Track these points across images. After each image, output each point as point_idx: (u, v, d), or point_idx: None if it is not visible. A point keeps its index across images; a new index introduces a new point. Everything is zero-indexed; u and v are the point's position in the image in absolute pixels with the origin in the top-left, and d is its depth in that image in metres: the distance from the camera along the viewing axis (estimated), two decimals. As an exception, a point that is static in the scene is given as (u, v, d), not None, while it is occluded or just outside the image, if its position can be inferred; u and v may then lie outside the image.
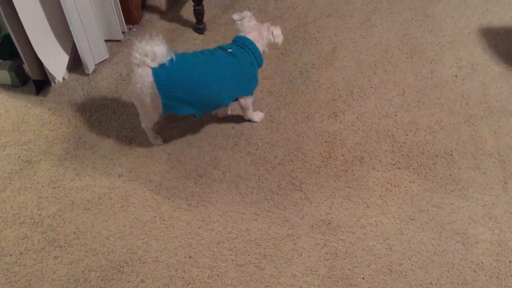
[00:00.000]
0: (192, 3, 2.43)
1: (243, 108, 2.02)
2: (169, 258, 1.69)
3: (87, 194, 1.86)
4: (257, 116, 2.09)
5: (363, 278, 1.63)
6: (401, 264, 1.66)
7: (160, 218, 1.79)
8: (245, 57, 1.84)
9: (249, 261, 1.68)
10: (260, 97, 2.19)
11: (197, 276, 1.64)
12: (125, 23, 2.49)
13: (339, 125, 2.09)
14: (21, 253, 1.70)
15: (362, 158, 1.97)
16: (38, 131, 2.07)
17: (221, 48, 1.87)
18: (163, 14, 2.64)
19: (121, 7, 2.40)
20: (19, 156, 1.98)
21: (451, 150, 1.99)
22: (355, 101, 2.18)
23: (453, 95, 2.19)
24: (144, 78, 1.71)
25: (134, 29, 2.55)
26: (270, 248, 1.71)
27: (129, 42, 2.45)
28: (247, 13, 1.92)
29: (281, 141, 2.04)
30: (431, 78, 2.27)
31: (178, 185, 1.89)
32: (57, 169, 1.94)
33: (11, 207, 1.82)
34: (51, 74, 2.20)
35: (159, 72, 1.70)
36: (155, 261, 1.68)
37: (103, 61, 2.37)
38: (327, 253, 1.70)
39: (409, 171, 1.92)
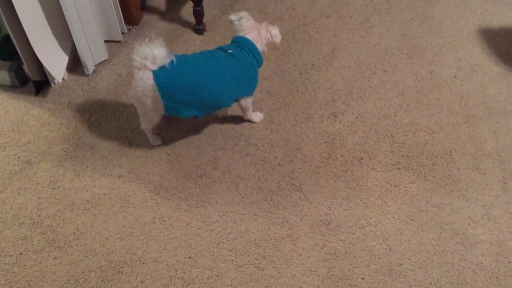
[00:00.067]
0: (192, 4, 2.43)
1: (243, 109, 2.02)
2: (168, 259, 1.69)
3: (86, 195, 1.86)
4: (256, 116, 2.09)
5: (362, 279, 1.63)
6: (401, 264, 1.67)
7: (159, 218, 1.79)
8: (245, 58, 1.84)
9: (248, 261, 1.68)
10: (260, 98, 2.19)
11: (196, 276, 1.64)
12: (125, 23, 2.49)
13: (338, 126, 2.09)
14: (21, 253, 1.70)
15: (362, 158, 1.97)
16: (38, 131, 2.07)
17: (221, 49, 1.87)
18: (162, 15, 2.64)
19: (121, 8, 2.40)
20: (19, 157, 1.98)
21: (450, 151, 1.99)
22: (355, 102, 2.18)
23: (452, 96, 2.19)
24: (145, 81, 1.71)
25: (134, 30, 2.55)
26: (270, 249, 1.71)
27: (130, 44, 2.46)
28: (244, 14, 1.93)
29: (280, 141, 2.04)
30: (431, 78, 2.27)
31: (177, 186, 1.89)
32: (57, 169, 1.94)
33: (11, 208, 1.82)
34: (50, 75, 2.20)
35: (159, 75, 1.70)
36: (154, 261, 1.68)
37: (102, 61, 2.37)
38: (326, 254, 1.70)
39: (409, 172, 1.92)
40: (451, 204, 1.82)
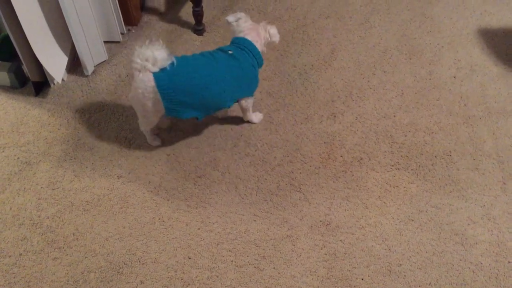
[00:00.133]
0: (191, 5, 2.43)
1: (243, 109, 2.02)
2: (168, 259, 1.69)
3: (86, 196, 1.86)
4: (256, 117, 2.09)
5: (362, 279, 1.63)
6: (400, 264, 1.67)
7: (159, 219, 1.79)
8: (245, 58, 1.84)
9: (248, 262, 1.68)
10: (259, 98, 2.19)
11: (196, 277, 1.64)
12: (124, 24, 2.49)
13: (338, 126, 2.09)
14: (20, 254, 1.70)
15: (361, 159, 1.97)
16: (37, 132, 2.07)
17: (221, 50, 1.87)
18: (162, 16, 2.64)
19: (120, 8, 2.39)
20: (18, 158, 1.98)
21: (450, 151, 1.99)
22: (354, 102, 2.18)
23: (452, 96, 2.20)
24: (146, 83, 1.71)
25: (133, 30, 2.55)
26: (269, 249, 1.71)
27: (129, 45, 2.46)
28: (241, 14, 1.93)
29: (280, 142, 2.04)
30: (430, 79, 2.27)
31: (177, 186, 1.89)
32: (56, 170, 1.94)
33: (11, 209, 1.82)
34: (50, 76, 2.20)
35: (160, 76, 1.70)
36: (154, 262, 1.68)
37: (102, 62, 2.37)
38: (326, 254, 1.70)
39: (408, 172, 1.92)
40: (450, 205, 1.83)
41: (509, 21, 2.54)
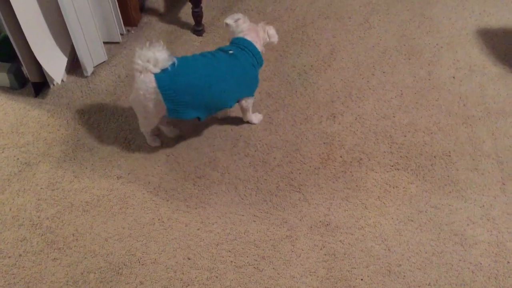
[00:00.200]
0: (191, 5, 2.43)
1: (244, 110, 2.02)
2: (168, 260, 1.69)
3: (86, 196, 1.86)
4: (255, 117, 2.09)
5: (361, 279, 1.64)
6: (400, 265, 1.67)
7: (159, 219, 1.79)
8: (246, 58, 1.85)
9: (247, 262, 1.68)
10: (259, 99, 2.19)
11: (196, 277, 1.64)
12: (124, 25, 2.49)
13: (337, 127, 2.09)
14: (20, 255, 1.70)
15: (361, 159, 1.97)
16: (37, 133, 2.07)
17: (222, 50, 1.87)
18: (161, 16, 2.64)
19: (120, 9, 2.40)
20: (18, 158, 1.98)
21: (449, 151, 1.99)
22: (354, 103, 2.18)
23: (451, 96, 2.20)
24: (147, 84, 1.71)
25: (133, 31, 2.55)
26: (269, 250, 1.71)
27: (129, 46, 2.46)
28: (240, 15, 1.93)
29: (279, 142, 2.04)
30: (429, 79, 2.27)
31: (176, 187, 1.89)
32: (56, 171, 1.94)
33: (10, 209, 1.82)
34: (49, 76, 2.20)
35: (161, 77, 1.70)
36: (154, 263, 1.68)
37: (101, 63, 2.37)
38: (325, 254, 1.70)
39: (408, 172, 1.93)
40: (450, 205, 1.83)
41: (508, 21, 2.54)
